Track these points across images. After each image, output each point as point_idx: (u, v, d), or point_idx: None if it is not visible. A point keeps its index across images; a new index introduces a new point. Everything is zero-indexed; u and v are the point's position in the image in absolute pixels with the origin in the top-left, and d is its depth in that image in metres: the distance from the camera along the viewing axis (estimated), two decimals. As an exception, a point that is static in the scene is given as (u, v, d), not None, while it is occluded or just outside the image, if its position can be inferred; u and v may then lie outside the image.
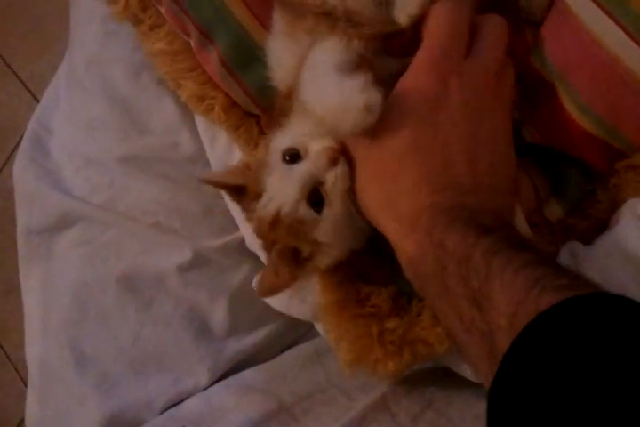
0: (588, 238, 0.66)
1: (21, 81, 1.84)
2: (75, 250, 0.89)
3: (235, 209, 0.79)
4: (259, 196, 0.62)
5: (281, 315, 0.74)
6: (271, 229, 0.60)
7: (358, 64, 0.61)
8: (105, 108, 0.89)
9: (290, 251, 0.61)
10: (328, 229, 0.60)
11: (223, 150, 0.82)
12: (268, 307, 0.74)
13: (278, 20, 0.68)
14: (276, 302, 0.72)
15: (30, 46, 1.80)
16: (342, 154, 0.60)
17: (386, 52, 0.63)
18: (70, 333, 0.86)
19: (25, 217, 0.94)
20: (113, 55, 0.89)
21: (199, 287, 0.84)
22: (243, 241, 0.82)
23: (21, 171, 0.96)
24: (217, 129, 0.82)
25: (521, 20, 0.68)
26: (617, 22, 0.59)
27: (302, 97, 0.60)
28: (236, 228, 0.81)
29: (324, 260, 0.63)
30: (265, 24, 0.74)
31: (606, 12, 0.59)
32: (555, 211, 0.68)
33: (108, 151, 0.88)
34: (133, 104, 0.88)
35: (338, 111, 0.55)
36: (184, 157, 0.86)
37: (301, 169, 0.60)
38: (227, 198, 0.79)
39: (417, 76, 0.58)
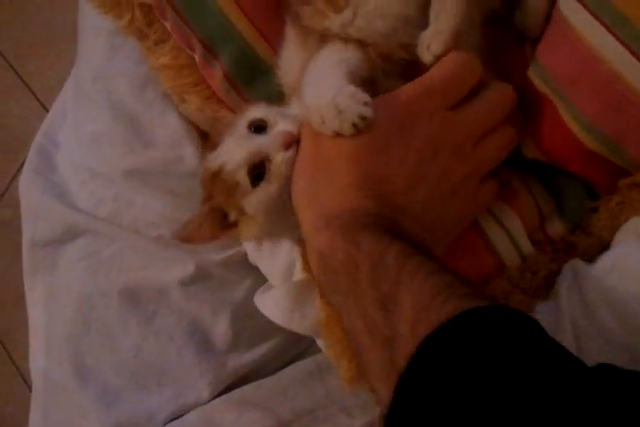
0: (591, 256, 0.66)
1: (33, 93, 1.85)
2: (78, 263, 0.89)
3: None
4: (215, 148, 0.65)
5: (282, 330, 0.73)
6: (211, 181, 0.64)
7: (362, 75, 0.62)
8: (110, 121, 0.89)
9: (220, 211, 0.65)
10: (257, 204, 0.63)
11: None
12: (270, 322, 0.74)
13: (290, 31, 0.70)
14: (278, 316, 0.72)
15: (42, 58, 1.81)
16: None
17: (401, 75, 0.64)
18: (72, 346, 0.86)
19: (30, 230, 0.94)
20: (118, 69, 0.89)
21: (201, 301, 0.84)
22: (245, 255, 0.82)
23: (27, 184, 0.97)
24: None
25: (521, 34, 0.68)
26: (617, 37, 0.58)
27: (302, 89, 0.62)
28: (239, 242, 0.81)
29: (248, 232, 0.65)
30: (268, 39, 0.75)
31: (605, 26, 0.59)
32: (557, 228, 0.68)
33: (113, 165, 0.88)
34: (138, 118, 0.88)
35: (328, 111, 0.57)
36: (188, 170, 0.85)
37: (257, 141, 0.63)
38: None
39: (408, 95, 0.60)
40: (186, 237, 0.66)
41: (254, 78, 0.77)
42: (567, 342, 0.60)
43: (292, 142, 0.62)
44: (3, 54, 1.88)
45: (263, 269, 0.78)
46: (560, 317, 0.62)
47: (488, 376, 0.41)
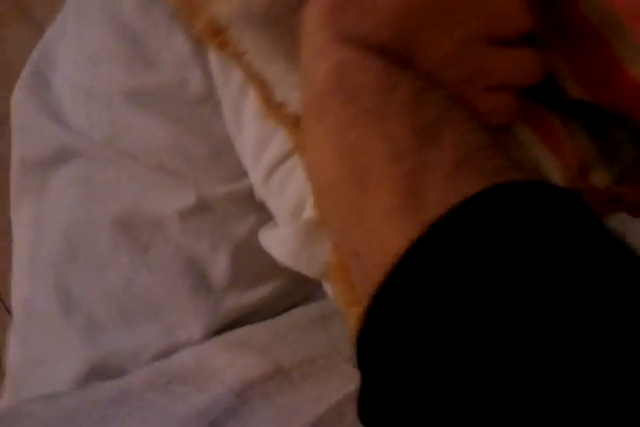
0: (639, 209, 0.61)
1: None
2: (70, 187, 0.84)
3: (244, 154, 0.74)
4: None
5: (286, 271, 0.69)
6: None
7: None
8: (113, 39, 0.83)
9: None
10: None
11: (237, 91, 0.76)
12: (274, 262, 0.69)
13: None
14: (284, 256, 0.68)
15: None
16: None
17: None
18: (58, 274, 0.81)
19: (20, 149, 0.89)
20: None
21: (200, 235, 0.78)
22: (251, 190, 0.77)
23: (19, 101, 0.91)
24: (232, 65, 0.75)
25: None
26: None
27: None
28: (246, 175, 0.76)
29: None
30: None
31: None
32: (601, 177, 0.63)
33: (112, 85, 0.83)
34: (142, 37, 0.82)
35: None
36: (193, 95, 0.80)
37: None
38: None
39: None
40: None
41: None
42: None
43: None
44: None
45: (270, 205, 0.73)
46: None
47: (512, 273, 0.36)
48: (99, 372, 0.80)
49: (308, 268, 0.67)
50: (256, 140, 0.72)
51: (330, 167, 0.47)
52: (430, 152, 0.42)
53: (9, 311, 1.81)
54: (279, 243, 0.69)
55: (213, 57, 0.78)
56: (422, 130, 0.42)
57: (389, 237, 0.42)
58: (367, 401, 0.41)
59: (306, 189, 0.68)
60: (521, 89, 0.59)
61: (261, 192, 0.74)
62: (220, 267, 0.79)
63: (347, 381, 0.69)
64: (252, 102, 0.73)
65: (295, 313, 0.81)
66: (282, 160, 0.70)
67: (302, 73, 0.51)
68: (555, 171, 0.62)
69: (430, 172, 0.41)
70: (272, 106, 0.67)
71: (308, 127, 0.50)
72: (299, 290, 0.84)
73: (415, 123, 0.43)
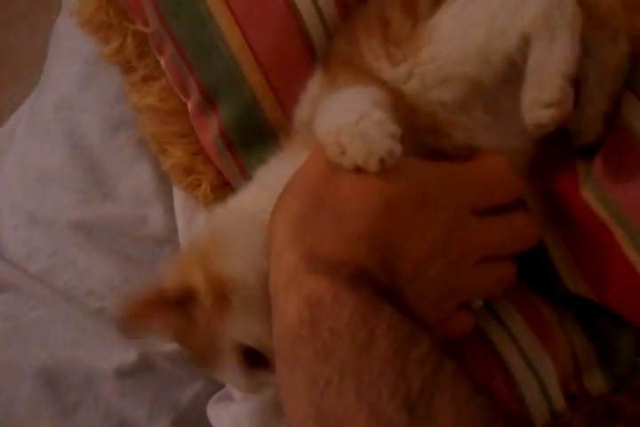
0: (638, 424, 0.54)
1: None
2: None
3: None
4: None
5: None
6: None
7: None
8: (67, 160, 0.77)
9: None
10: None
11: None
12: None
13: (319, 73, 0.61)
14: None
15: None
16: None
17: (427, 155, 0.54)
18: None
19: None
20: (89, 102, 0.78)
21: (139, 399, 0.68)
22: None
23: None
24: (198, 208, 0.71)
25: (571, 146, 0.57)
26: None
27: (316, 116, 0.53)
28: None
29: None
30: (279, 97, 0.65)
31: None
32: (597, 383, 0.57)
33: (59, 212, 0.76)
34: (102, 162, 0.77)
35: (350, 139, 0.47)
36: (151, 234, 0.74)
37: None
38: None
39: (442, 176, 0.51)
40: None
41: (254, 141, 0.66)
42: None
43: None
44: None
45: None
46: None
47: None
48: None
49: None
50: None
51: (306, 422, 0.42)
52: None
53: None
54: (230, 422, 0.60)
55: (178, 194, 0.72)
56: (410, 401, 0.38)
57: None
58: None
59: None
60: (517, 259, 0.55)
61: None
62: (157, 441, 0.68)
63: None
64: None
65: None
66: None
67: (273, 297, 0.47)
68: (547, 367, 0.56)
69: None
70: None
71: (280, 369, 0.45)
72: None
73: (401, 391, 0.38)
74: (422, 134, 0.54)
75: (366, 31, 0.56)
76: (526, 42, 0.49)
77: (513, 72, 0.51)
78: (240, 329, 0.51)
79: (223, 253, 0.52)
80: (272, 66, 0.64)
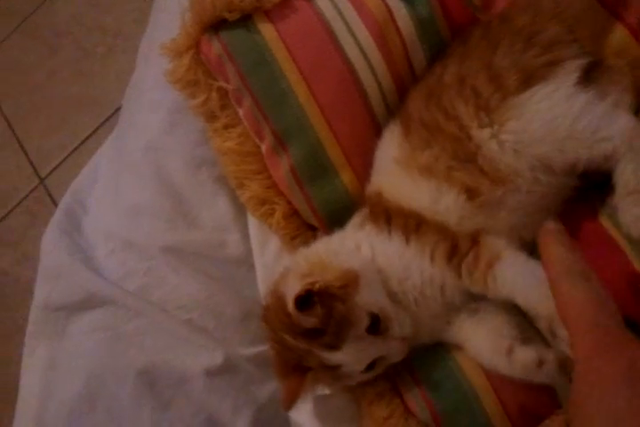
0: None
1: (26, 153, 1.80)
2: (93, 334, 0.84)
3: None
4: None
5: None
6: None
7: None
8: (156, 195, 0.88)
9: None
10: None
11: (272, 257, 0.81)
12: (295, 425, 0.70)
13: (397, 134, 0.73)
14: (306, 422, 0.68)
15: (43, 123, 1.78)
16: None
17: None
18: (73, 425, 0.79)
19: (45, 290, 0.90)
20: (175, 145, 0.89)
21: (224, 395, 0.78)
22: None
23: (51, 242, 0.93)
24: (270, 235, 0.82)
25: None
26: None
27: None
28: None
29: None
30: (340, 140, 0.76)
31: None
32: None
33: (151, 238, 0.86)
34: (187, 196, 0.87)
35: None
36: (230, 257, 0.84)
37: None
38: None
39: None
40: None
41: (319, 177, 0.78)
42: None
43: None
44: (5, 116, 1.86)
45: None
46: None
47: None
48: None
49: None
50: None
51: None
52: None
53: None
54: (309, 417, 0.70)
55: (253, 223, 0.83)
56: None
57: None
58: None
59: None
60: None
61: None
62: (240, 429, 0.78)
63: None
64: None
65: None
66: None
67: None
68: None
69: None
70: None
71: None
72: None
73: None
74: None
75: (464, 100, 0.67)
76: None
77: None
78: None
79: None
80: (333, 114, 0.75)
